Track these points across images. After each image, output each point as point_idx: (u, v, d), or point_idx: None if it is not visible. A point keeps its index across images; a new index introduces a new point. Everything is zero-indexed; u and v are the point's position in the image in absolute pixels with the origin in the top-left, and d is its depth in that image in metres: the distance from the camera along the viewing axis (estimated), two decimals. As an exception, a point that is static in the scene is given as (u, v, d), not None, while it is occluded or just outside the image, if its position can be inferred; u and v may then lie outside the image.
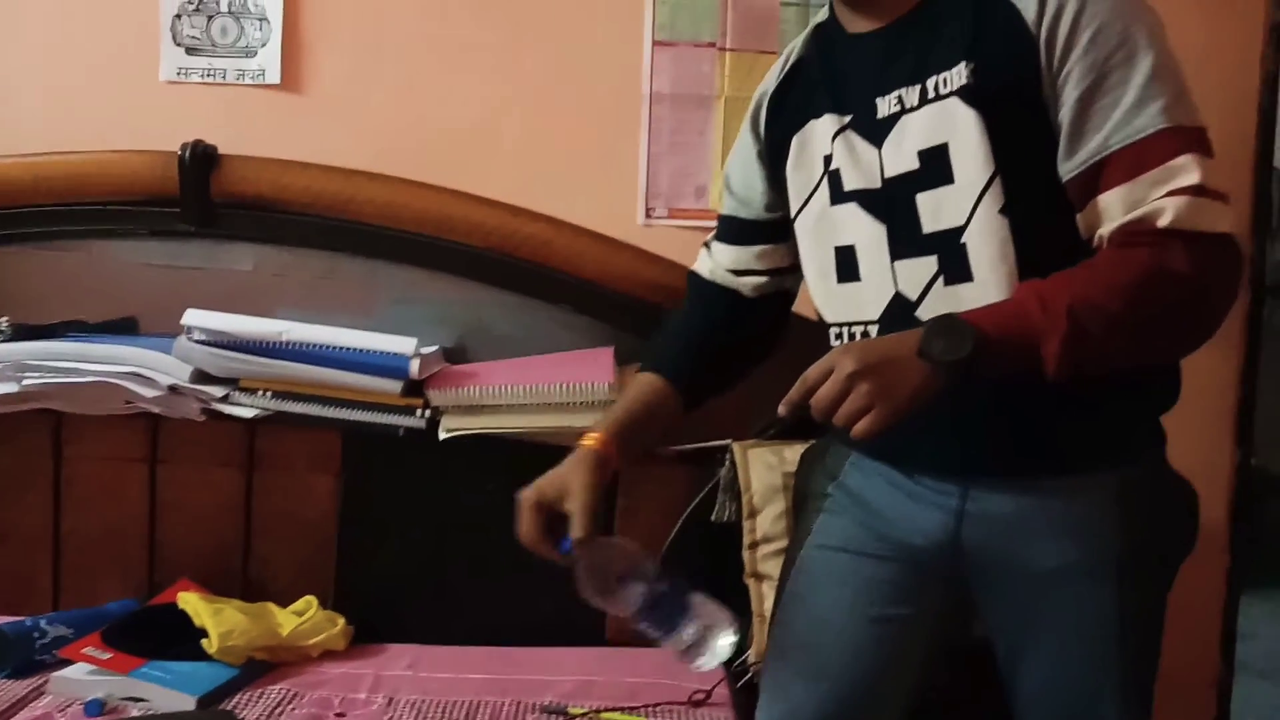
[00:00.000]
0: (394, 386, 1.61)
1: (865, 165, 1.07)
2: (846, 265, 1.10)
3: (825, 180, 1.11)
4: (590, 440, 1.12)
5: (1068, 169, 0.98)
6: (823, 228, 1.12)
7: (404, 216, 1.70)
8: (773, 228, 1.22)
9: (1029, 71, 0.98)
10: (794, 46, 1.19)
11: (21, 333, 1.65)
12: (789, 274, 1.24)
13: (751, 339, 1.28)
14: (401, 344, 1.62)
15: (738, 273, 1.25)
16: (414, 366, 1.61)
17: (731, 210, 1.26)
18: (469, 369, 1.70)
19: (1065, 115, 0.97)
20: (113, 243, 1.73)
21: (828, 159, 1.10)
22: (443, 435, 1.61)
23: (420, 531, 1.68)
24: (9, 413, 1.62)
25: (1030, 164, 0.99)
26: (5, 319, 1.66)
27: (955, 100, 1.00)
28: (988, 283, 1.00)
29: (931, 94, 1.02)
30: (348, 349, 1.62)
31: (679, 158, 1.76)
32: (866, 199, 1.07)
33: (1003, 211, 0.99)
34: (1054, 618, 1.08)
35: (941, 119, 1.01)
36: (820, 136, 1.11)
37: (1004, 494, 1.06)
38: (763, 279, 1.24)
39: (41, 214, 1.70)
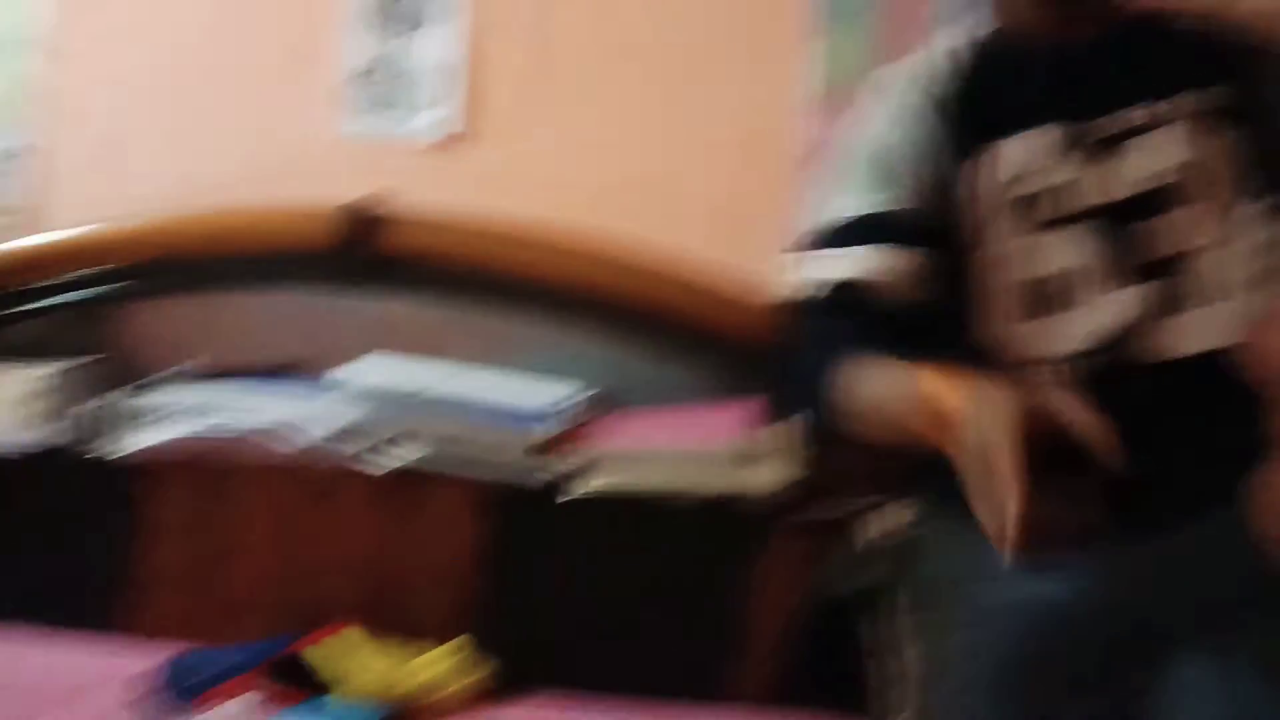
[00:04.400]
0: (534, 439, 1.63)
1: (1085, 187, 0.99)
2: (1059, 293, 0.99)
3: (1025, 203, 0.99)
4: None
5: None
6: (1023, 257, 0.99)
7: (550, 277, 1.72)
8: (938, 235, 1.00)
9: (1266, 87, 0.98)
10: (954, 48, 1.05)
11: (203, 375, 1.78)
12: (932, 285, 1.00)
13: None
14: (544, 395, 1.66)
15: (891, 284, 0.98)
16: (553, 422, 1.64)
17: (899, 204, 1.00)
18: (610, 423, 1.70)
19: None
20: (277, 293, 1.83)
21: (1030, 177, 0.99)
22: (580, 492, 1.62)
23: (564, 585, 1.67)
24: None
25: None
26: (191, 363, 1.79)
27: (1191, 121, 0.97)
28: (1234, 307, 0.97)
29: (1163, 114, 0.98)
30: (491, 402, 1.65)
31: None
32: (1089, 222, 0.99)
33: (1252, 232, 0.97)
34: None
35: (1178, 141, 0.97)
36: (1022, 152, 0.99)
37: None
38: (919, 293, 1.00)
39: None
